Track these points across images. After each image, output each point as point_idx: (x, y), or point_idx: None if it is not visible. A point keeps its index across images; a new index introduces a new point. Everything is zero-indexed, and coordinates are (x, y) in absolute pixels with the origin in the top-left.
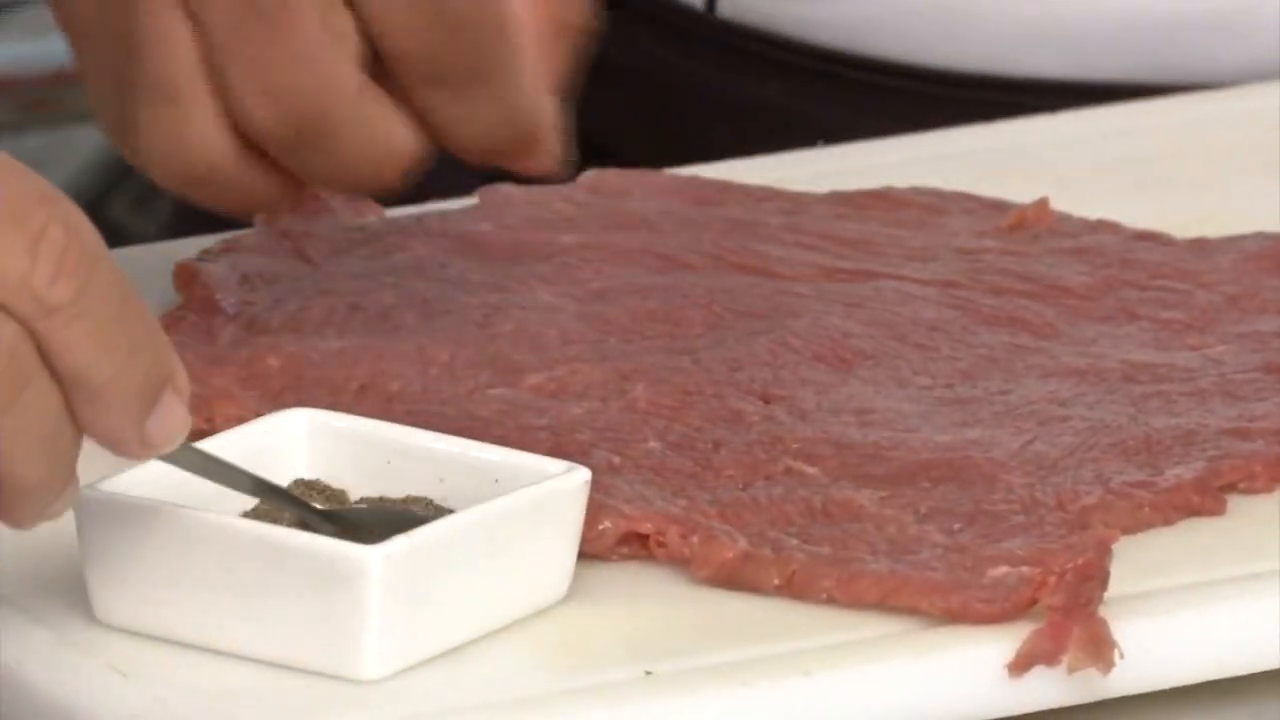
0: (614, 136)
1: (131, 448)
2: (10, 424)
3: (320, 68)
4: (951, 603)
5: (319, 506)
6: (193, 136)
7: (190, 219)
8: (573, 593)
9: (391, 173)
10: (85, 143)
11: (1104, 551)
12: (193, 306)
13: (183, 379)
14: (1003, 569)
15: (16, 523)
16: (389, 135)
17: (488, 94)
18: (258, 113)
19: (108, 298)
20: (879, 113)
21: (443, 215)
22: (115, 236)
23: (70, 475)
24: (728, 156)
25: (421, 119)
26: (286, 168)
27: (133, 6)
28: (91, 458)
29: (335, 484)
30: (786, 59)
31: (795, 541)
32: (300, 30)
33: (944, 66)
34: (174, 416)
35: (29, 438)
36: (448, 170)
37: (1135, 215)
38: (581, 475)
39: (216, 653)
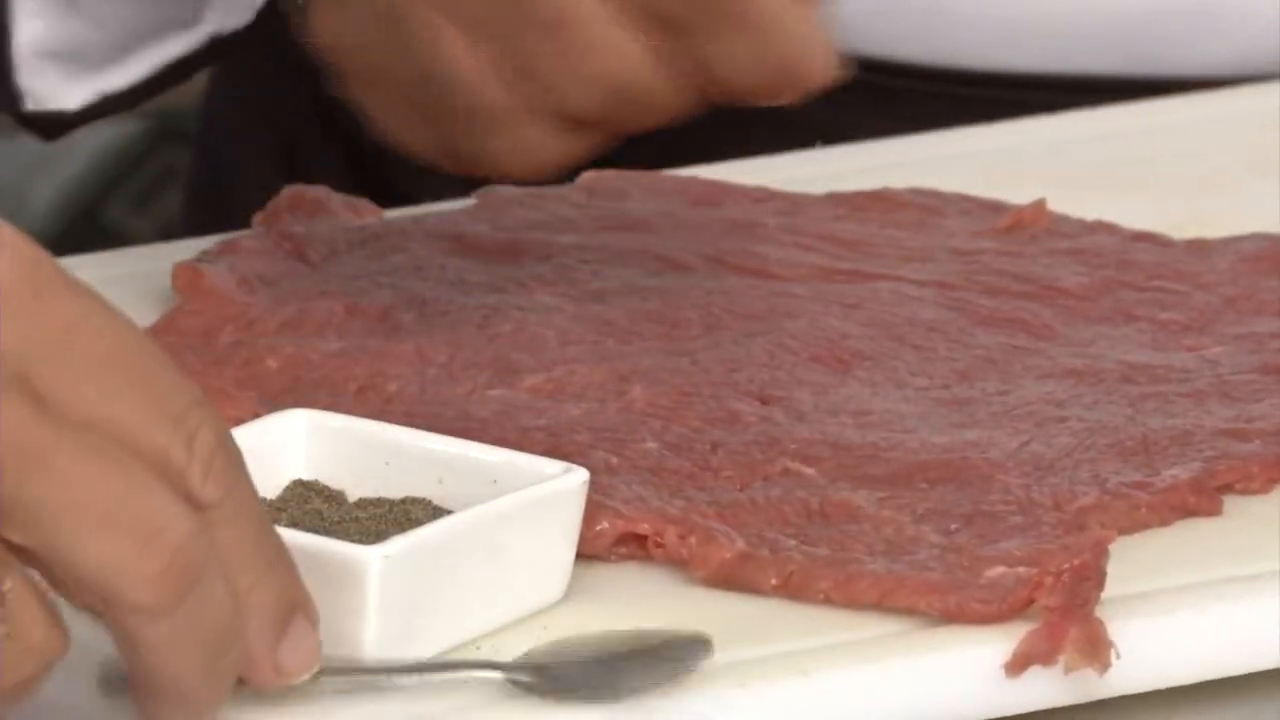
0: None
1: (265, 672)
2: (178, 622)
3: (611, 45)
4: (949, 603)
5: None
6: (535, 143)
7: (189, 220)
8: (571, 593)
9: (671, 120)
10: (84, 144)
11: (1100, 552)
12: (191, 307)
13: (314, 609)
14: (1000, 569)
15: None
16: (685, 100)
17: (744, 33)
18: (581, 104)
19: (251, 508)
20: (871, 111)
21: (441, 216)
22: (114, 238)
23: (226, 692)
24: (723, 158)
25: (689, 74)
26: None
27: (415, 53)
28: None
29: (334, 485)
30: None
31: (793, 542)
32: (583, 22)
33: (934, 63)
34: (308, 643)
35: (195, 638)
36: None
37: (1132, 216)
38: (579, 476)
39: None
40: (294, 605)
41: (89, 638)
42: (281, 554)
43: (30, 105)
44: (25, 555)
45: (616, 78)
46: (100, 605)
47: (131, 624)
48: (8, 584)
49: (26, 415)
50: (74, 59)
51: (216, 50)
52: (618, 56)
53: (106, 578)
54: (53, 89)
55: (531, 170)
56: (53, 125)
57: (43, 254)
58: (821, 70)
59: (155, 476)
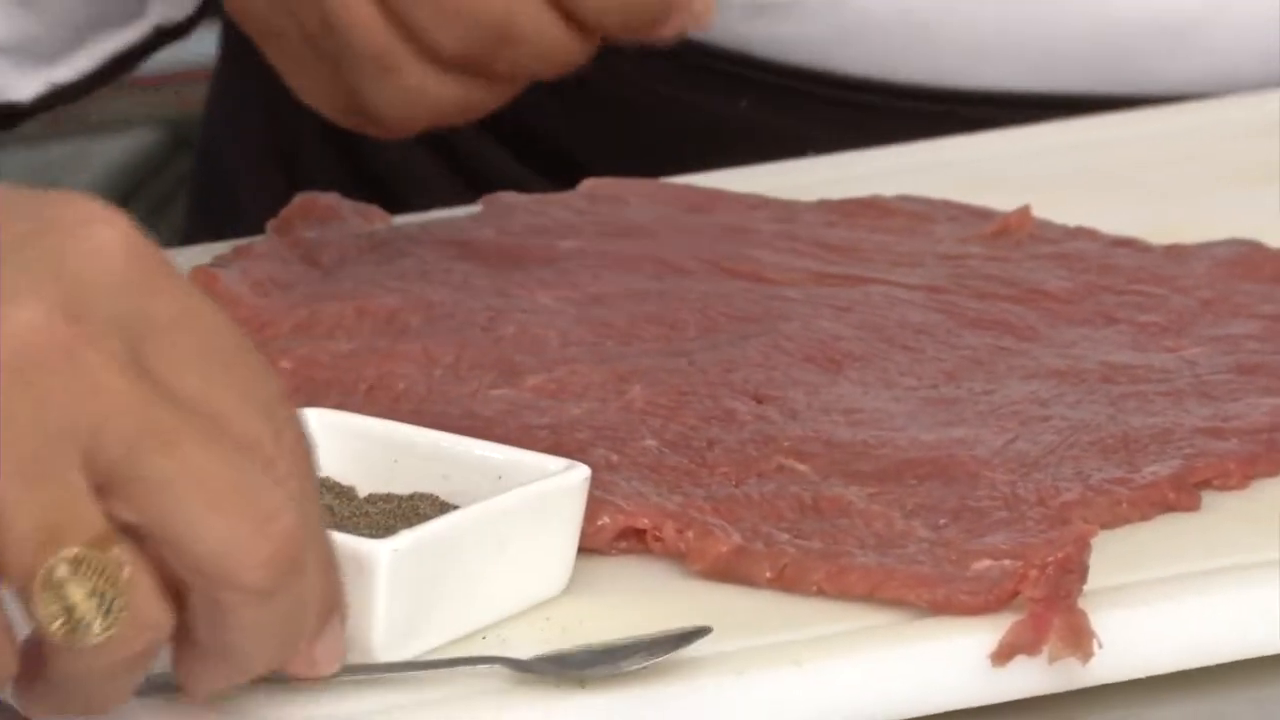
0: (594, 154)
1: (299, 663)
2: (276, 607)
3: None
4: (937, 595)
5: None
6: (415, 91)
7: (204, 226)
8: (573, 585)
9: (563, 71)
10: (104, 154)
11: (1083, 546)
12: None
13: (346, 610)
14: (986, 563)
15: (197, 694)
16: (558, 37)
17: None
18: (450, 43)
19: (316, 506)
20: (850, 126)
21: (447, 222)
22: None
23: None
24: (718, 167)
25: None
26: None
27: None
28: None
29: (344, 481)
30: (758, 77)
31: (787, 536)
32: None
33: (911, 81)
34: (339, 642)
35: (282, 624)
36: (452, 179)
37: (1112, 222)
38: (581, 472)
39: None
40: (335, 605)
41: None
42: (333, 553)
43: None
44: (130, 532)
45: (485, 15)
46: (204, 583)
47: (232, 603)
48: (126, 560)
49: (147, 395)
50: (24, 52)
51: (161, 40)
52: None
53: (221, 558)
54: (4, 82)
55: (411, 119)
56: (6, 117)
57: (153, 245)
58: (698, 6)
59: (256, 463)
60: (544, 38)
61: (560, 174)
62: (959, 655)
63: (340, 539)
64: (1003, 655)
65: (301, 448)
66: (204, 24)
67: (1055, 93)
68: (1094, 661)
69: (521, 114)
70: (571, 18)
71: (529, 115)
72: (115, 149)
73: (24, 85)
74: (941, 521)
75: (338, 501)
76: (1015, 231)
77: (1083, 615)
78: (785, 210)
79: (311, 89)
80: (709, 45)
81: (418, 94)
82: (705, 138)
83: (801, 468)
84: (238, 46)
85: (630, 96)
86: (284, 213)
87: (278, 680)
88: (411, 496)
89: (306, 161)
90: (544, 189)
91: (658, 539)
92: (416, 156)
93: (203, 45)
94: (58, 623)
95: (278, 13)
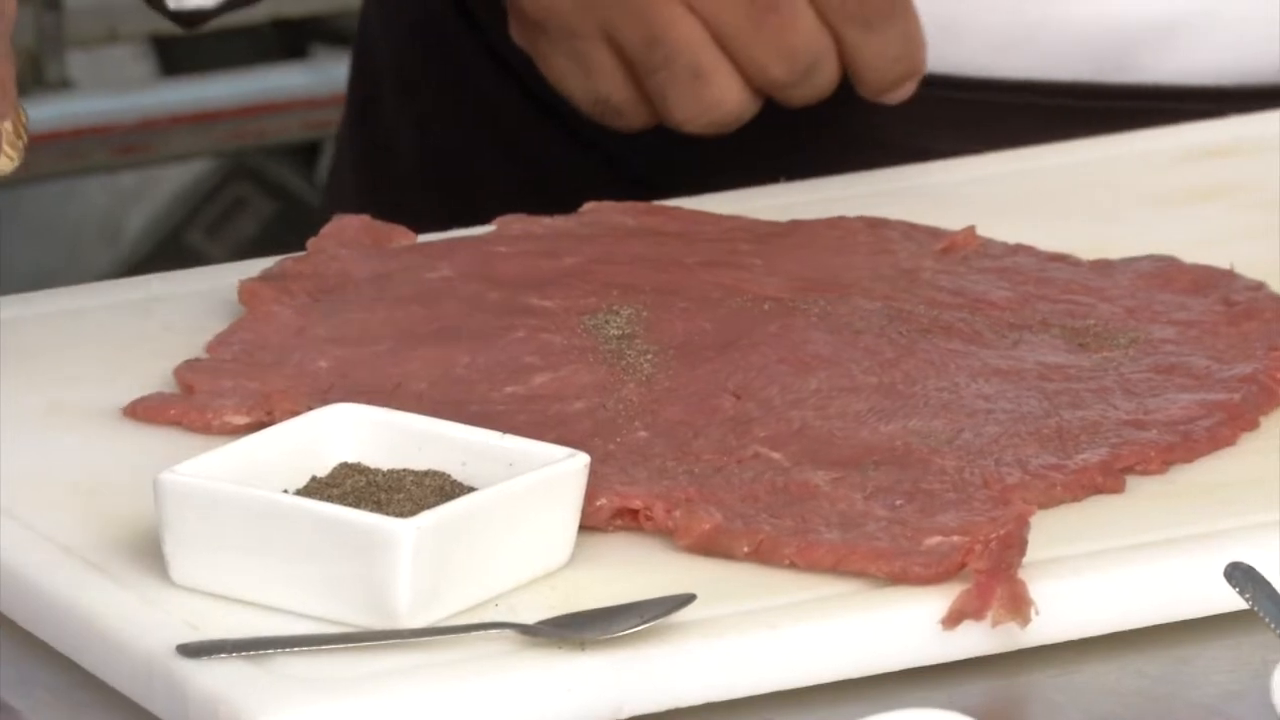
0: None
1: None
2: None
3: (810, 29)
4: (894, 567)
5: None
6: (714, 100)
7: (255, 244)
8: (574, 559)
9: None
10: (169, 181)
11: (1023, 524)
12: (254, 317)
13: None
14: (937, 539)
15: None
16: (831, 76)
17: (896, 30)
18: (780, 72)
19: None
20: (872, 109)
21: (465, 241)
22: (192, 258)
23: None
24: (702, 191)
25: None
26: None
27: (645, 13)
28: (174, 442)
29: (373, 466)
30: None
31: (762, 515)
32: (789, 6)
33: (936, 72)
34: None
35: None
36: (470, 202)
37: (1047, 240)
38: (582, 459)
39: (274, 609)
40: None
41: (134, 632)
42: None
43: (172, 4)
44: None
45: (806, 55)
46: None
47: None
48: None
49: None
50: None
51: None
52: (812, 38)
53: None
54: None
55: (698, 121)
56: (192, 19)
57: None
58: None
59: None
60: (830, 84)
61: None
62: (914, 620)
63: (371, 518)
64: (952, 620)
65: None
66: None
67: (1064, 81)
68: (1032, 625)
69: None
70: (855, 72)
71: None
72: (179, 177)
73: None
74: (898, 503)
75: (368, 484)
76: (962, 248)
77: (1022, 585)
78: (762, 229)
79: (577, 82)
80: None
81: (716, 103)
82: (696, 154)
83: (775, 455)
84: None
85: None
86: (321, 232)
87: (304, 645)
88: (426, 473)
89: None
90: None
91: (649, 518)
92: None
93: (256, 83)
94: None
95: (583, 17)
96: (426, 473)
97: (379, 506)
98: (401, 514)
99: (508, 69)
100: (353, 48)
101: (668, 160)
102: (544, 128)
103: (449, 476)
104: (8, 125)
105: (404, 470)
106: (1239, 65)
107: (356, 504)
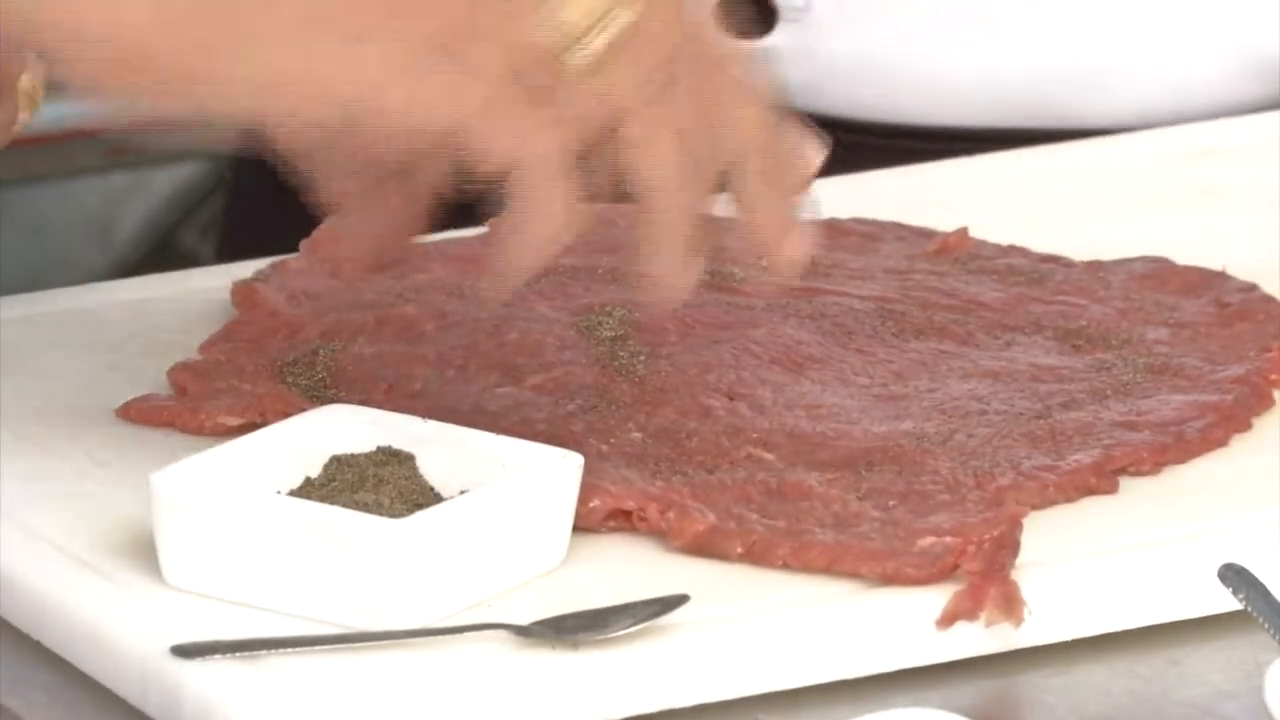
0: None
1: None
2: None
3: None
4: (887, 568)
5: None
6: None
7: (245, 246)
8: (568, 560)
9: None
10: (160, 182)
11: (1016, 525)
12: (247, 318)
13: None
14: (930, 540)
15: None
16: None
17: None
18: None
19: None
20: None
21: (457, 242)
22: (185, 260)
23: None
24: None
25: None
26: None
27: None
28: (168, 443)
29: (365, 464)
30: None
31: (755, 516)
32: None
33: (871, 119)
34: None
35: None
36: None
37: (1040, 241)
38: (575, 461)
39: (268, 610)
40: None
41: (129, 633)
42: None
43: None
44: None
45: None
46: None
47: None
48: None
49: None
50: None
51: None
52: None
53: None
54: None
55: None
56: None
57: None
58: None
59: None
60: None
61: None
62: (907, 621)
63: (364, 519)
64: (946, 621)
65: None
66: None
67: (995, 128)
68: (1025, 626)
69: None
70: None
71: None
72: (170, 179)
73: None
74: (891, 503)
75: (360, 482)
76: (955, 249)
77: (1015, 585)
78: None
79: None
80: None
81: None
82: None
83: (768, 456)
84: None
85: None
86: (315, 233)
87: (298, 646)
88: (421, 474)
89: None
90: None
91: (642, 519)
92: None
93: None
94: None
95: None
96: (419, 473)
97: (371, 507)
98: (394, 515)
99: None
100: None
101: None
102: None
103: (442, 478)
104: (25, 79)
105: (396, 470)
106: (1154, 109)
107: (349, 500)
